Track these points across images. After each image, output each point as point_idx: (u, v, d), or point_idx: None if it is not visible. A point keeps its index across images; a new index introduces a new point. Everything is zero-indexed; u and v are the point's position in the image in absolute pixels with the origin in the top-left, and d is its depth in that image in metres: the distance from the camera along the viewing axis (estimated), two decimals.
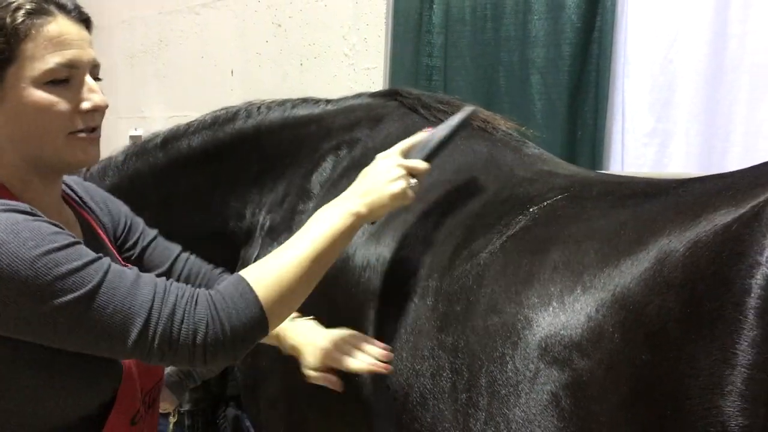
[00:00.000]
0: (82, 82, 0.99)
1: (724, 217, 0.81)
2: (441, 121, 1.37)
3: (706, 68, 2.16)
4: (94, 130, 1.01)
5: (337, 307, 1.27)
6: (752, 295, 0.73)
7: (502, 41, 2.42)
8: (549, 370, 0.88)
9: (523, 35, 2.37)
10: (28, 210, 0.90)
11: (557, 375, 0.87)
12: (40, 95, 0.94)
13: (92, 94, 0.99)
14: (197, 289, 0.95)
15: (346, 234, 1.06)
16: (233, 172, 1.60)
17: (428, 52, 2.57)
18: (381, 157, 1.15)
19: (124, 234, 1.21)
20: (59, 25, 0.95)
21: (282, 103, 1.61)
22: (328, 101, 1.60)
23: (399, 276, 1.19)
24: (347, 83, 2.76)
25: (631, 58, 2.28)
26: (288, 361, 1.24)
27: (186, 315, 0.90)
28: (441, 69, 2.55)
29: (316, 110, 1.57)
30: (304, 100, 1.61)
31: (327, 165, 1.50)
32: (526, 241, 1.04)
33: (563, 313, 0.90)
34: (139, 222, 1.25)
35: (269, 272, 0.98)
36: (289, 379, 1.30)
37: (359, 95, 1.59)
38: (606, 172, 2.04)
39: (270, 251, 1.28)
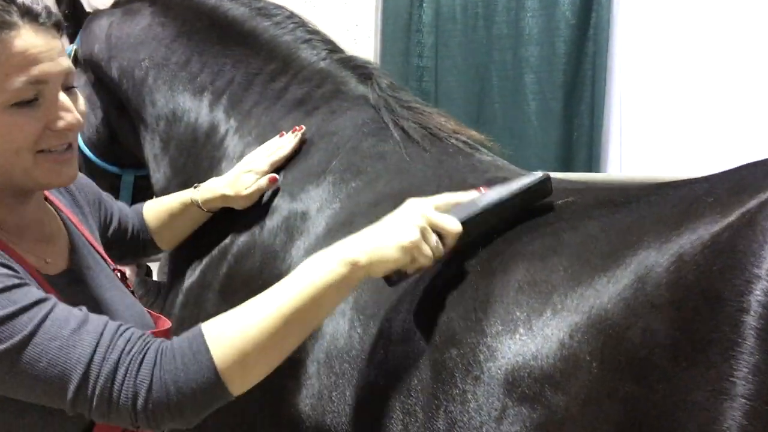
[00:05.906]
0: (54, 99, 0.94)
1: (710, 227, 0.74)
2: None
3: (703, 66, 2.17)
4: (69, 148, 0.98)
5: None
6: (751, 313, 0.66)
7: (494, 40, 2.42)
8: (518, 407, 0.80)
9: (516, 33, 2.37)
10: None
11: (527, 413, 0.79)
12: (5, 120, 0.90)
13: (65, 113, 0.95)
14: (149, 343, 0.86)
15: (338, 286, 0.88)
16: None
17: (419, 53, 2.57)
18: (410, 203, 0.96)
19: (106, 220, 1.30)
20: (24, 39, 0.90)
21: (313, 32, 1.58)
22: (326, 48, 1.53)
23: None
24: None
25: (628, 55, 2.27)
26: (251, 421, 1.16)
27: (127, 376, 0.83)
28: (432, 69, 2.55)
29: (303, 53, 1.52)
30: (317, 32, 1.58)
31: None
32: (483, 259, 0.95)
33: (532, 341, 0.82)
34: (111, 204, 1.33)
35: (233, 329, 0.85)
36: None
37: (337, 57, 1.50)
38: (585, 175, 1.98)
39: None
